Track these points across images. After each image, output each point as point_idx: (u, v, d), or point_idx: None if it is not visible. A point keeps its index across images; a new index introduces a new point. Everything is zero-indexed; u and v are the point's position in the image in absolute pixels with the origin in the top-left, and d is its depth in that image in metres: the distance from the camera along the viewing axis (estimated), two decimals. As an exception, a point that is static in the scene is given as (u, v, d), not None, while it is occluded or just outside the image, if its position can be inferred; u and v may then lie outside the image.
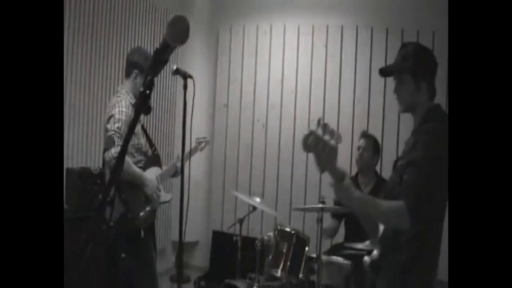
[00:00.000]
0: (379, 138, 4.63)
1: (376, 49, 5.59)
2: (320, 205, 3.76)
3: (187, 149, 3.10)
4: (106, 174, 3.54)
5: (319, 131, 1.67)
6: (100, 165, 4.26)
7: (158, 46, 1.51)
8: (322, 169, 1.81)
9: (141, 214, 3.36)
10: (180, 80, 2.77)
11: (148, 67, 1.54)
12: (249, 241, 4.38)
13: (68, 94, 4.29)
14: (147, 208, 3.41)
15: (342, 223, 4.43)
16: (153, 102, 5.19)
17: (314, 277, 3.76)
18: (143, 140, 3.54)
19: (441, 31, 5.13)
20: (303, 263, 3.80)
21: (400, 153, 5.07)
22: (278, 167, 5.98)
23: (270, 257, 3.87)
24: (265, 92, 6.07)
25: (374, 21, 5.62)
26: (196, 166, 5.51)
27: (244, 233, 4.44)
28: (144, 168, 3.45)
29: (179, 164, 3.72)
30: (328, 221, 4.35)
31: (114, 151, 3.12)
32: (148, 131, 3.79)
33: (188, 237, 5.64)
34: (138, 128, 3.48)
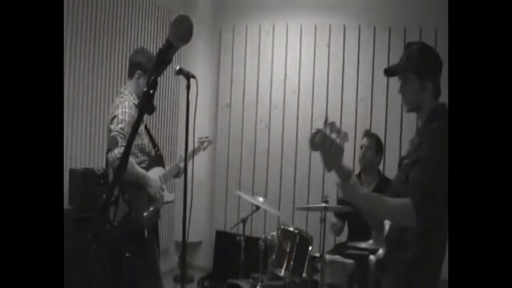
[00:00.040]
0: (382, 137, 4.63)
1: (379, 48, 5.58)
2: (323, 205, 3.76)
3: (190, 149, 3.10)
4: (109, 174, 3.54)
5: (326, 130, 1.68)
6: (104, 166, 4.26)
7: (161, 46, 1.51)
8: (328, 168, 1.82)
9: (145, 214, 3.36)
10: (183, 80, 2.78)
11: (151, 67, 1.54)
12: (252, 241, 4.39)
13: (71, 94, 4.29)
14: (151, 208, 3.41)
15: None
16: (156, 102, 5.20)
17: (317, 277, 3.76)
18: (146, 140, 3.54)
19: (443, 29, 5.12)
20: (306, 263, 3.80)
21: (403, 152, 5.07)
22: (281, 167, 5.98)
23: (274, 256, 3.87)
24: (267, 91, 6.07)
25: (376, 20, 5.61)
26: (199, 166, 5.51)
27: (247, 233, 4.44)
28: (147, 168, 3.46)
29: (181, 165, 3.72)
30: (332, 219, 4.36)
31: (118, 151, 3.12)
32: (151, 131, 3.79)
33: (192, 237, 5.67)
34: (141, 128, 3.48)
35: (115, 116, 3.24)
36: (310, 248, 3.86)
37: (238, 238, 4.30)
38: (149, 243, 3.42)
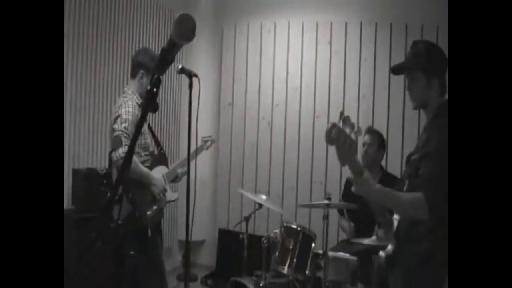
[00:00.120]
0: (384, 134, 4.63)
1: (381, 45, 5.58)
2: (326, 202, 3.77)
3: (192, 149, 3.11)
4: (113, 174, 3.55)
5: (341, 124, 1.71)
6: (106, 166, 4.27)
7: (164, 45, 1.52)
8: (343, 162, 1.86)
9: (148, 213, 3.37)
10: (185, 79, 2.78)
11: (154, 66, 1.55)
12: (255, 239, 4.39)
13: (74, 95, 4.30)
14: (154, 207, 3.42)
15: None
16: (159, 101, 5.21)
17: (320, 273, 3.77)
18: (149, 140, 3.55)
19: (445, 26, 5.10)
20: (309, 260, 3.81)
21: (405, 148, 5.11)
22: (284, 165, 5.98)
23: (277, 254, 3.88)
24: (269, 89, 6.07)
25: (378, 17, 5.61)
26: (202, 165, 5.52)
27: (250, 231, 4.45)
28: (150, 167, 3.47)
29: (179, 170, 3.73)
30: (341, 222, 4.39)
31: (122, 151, 3.13)
32: (154, 130, 3.80)
33: (195, 236, 5.65)
34: (144, 127, 3.49)
35: (119, 115, 3.25)
36: (313, 245, 3.87)
37: (241, 236, 4.31)
38: (153, 242, 3.43)
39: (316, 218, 5.29)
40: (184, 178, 3.40)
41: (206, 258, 6.22)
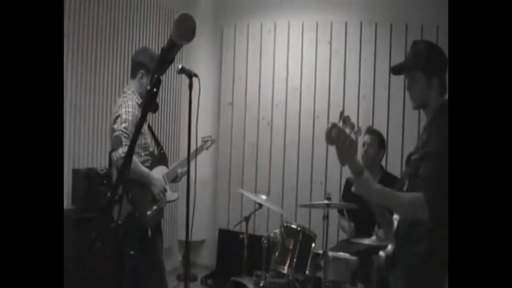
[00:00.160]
0: (384, 134, 4.63)
1: (381, 45, 5.58)
2: (326, 202, 3.77)
3: (192, 149, 3.11)
4: (113, 174, 3.55)
5: (341, 124, 1.71)
6: (106, 166, 4.27)
7: (164, 45, 1.52)
8: (343, 162, 1.86)
9: (148, 213, 3.37)
10: (185, 79, 2.78)
11: (154, 66, 1.55)
12: (255, 239, 4.40)
13: (74, 94, 4.30)
14: (154, 207, 3.42)
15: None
16: (159, 101, 5.21)
17: (320, 273, 3.77)
18: (149, 140, 3.55)
19: (445, 26, 5.11)
20: (309, 260, 3.81)
21: (405, 148, 5.10)
22: (284, 165, 5.99)
23: (277, 254, 3.88)
24: (269, 89, 6.07)
25: (378, 17, 5.61)
26: (202, 165, 5.52)
27: (250, 231, 4.45)
28: (150, 167, 3.47)
29: (179, 170, 3.74)
30: (341, 222, 4.39)
31: (122, 151, 3.14)
32: (154, 130, 3.80)
33: (195, 236, 5.65)
34: (144, 127, 3.49)
35: (119, 115, 3.25)
36: (313, 245, 3.87)
37: (241, 236, 4.31)
38: (153, 242, 3.43)
39: (316, 218, 5.29)
40: (184, 178, 3.40)
41: (206, 258, 6.22)
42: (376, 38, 5.61)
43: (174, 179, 3.76)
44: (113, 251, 1.59)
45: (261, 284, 3.94)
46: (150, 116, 4.48)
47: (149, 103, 1.50)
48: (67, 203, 4.02)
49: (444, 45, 2.40)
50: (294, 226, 3.94)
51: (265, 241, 4.04)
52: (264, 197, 4.50)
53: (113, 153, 3.17)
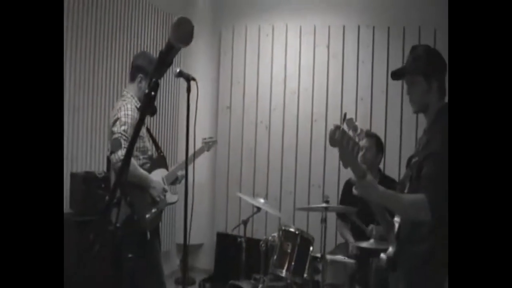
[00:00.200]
0: (382, 137, 4.64)
1: (378, 48, 5.59)
2: (324, 205, 3.77)
3: (191, 152, 3.11)
4: (111, 177, 3.55)
5: (344, 126, 1.72)
6: (104, 169, 4.27)
7: (162, 48, 1.52)
8: (345, 165, 1.87)
9: (147, 216, 3.37)
10: (183, 83, 2.78)
11: (153, 69, 1.55)
12: (253, 242, 4.39)
13: (72, 98, 4.31)
14: (153, 210, 3.42)
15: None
16: (157, 104, 5.21)
17: (318, 277, 3.77)
18: (148, 143, 3.56)
19: (442, 29, 5.14)
20: (307, 263, 3.81)
21: (403, 151, 5.10)
22: (282, 168, 5.98)
23: (275, 257, 3.88)
24: (267, 93, 6.08)
25: (375, 20, 5.62)
26: (200, 169, 5.51)
27: (248, 234, 4.45)
28: (149, 170, 3.47)
29: (179, 173, 3.73)
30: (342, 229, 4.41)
31: (121, 153, 3.14)
32: (152, 133, 3.80)
33: (193, 240, 5.67)
34: (143, 130, 3.50)
35: (118, 118, 3.26)
36: (311, 248, 3.87)
37: (239, 239, 4.31)
38: (152, 245, 3.43)
39: (314, 221, 5.29)
40: (182, 182, 3.40)
41: (204, 261, 6.21)
42: (373, 41, 5.62)
43: (174, 181, 3.75)
44: (111, 254, 1.59)
45: (259, 288, 3.94)
46: (148, 119, 4.49)
47: (147, 106, 1.50)
48: (65, 206, 4.01)
49: (441, 48, 2.41)
50: (292, 230, 3.94)
51: (263, 245, 4.04)
52: (262, 200, 4.50)
53: (112, 156, 3.18)
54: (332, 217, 4.44)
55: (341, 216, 4.49)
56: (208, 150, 4.13)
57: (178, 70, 2.76)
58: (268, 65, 6.08)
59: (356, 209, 3.89)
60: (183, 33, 1.52)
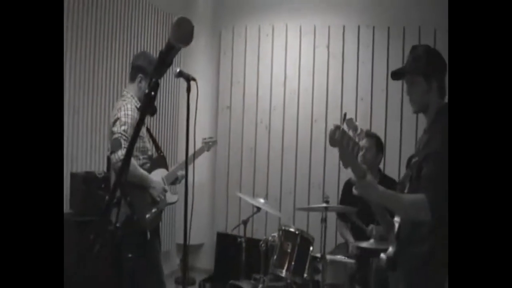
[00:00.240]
0: (382, 137, 4.64)
1: (378, 48, 5.59)
2: (324, 205, 3.77)
3: (191, 152, 3.11)
4: (111, 177, 3.56)
5: (344, 126, 1.72)
6: (104, 169, 4.27)
7: (162, 48, 1.52)
8: (345, 165, 1.88)
9: (147, 216, 3.37)
10: (183, 83, 2.78)
11: (153, 69, 1.55)
12: (253, 242, 4.39)
13: (72, 98, 4.31)
14: (153, 210, 3.43)
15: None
16: (157, 104, 5.21)
17: (318, 277, 3.77)
18: (148, 143, 3.56)
19: (442, 29, 5.14)
20: (307, 263, 3.81)
21: (403, 151, 5.10)
22: (282, 168, 5.98)
23: (275, 257, 3.88)
24: (267, 93, 6.08)
25: (375, 20, 5.62)
26: (200, 169, 5.52)
27: (248, 234, 4.45)
28: (149, 170, 3.47)
29: (179, 173, 3.73)
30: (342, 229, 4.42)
31: (121, 153, 3.15)
32: (152, 133, 3.81)
33: (193, 240, 5.67)
34: (143, 131, 3.51)
35: (118, 118, 3.26)
36: (311, 248, 3.87)
37: (239, 239, 4.31)
38: (152, 245, 3.43)
39: (314, 221, 5.29)
40: (182, 182, 3.40)
41: (204, 261, 6.21)
42: (373, 42, 5.62)
43: (174, 181, 3.76)
44: (111, 254, 1.59)
45: (259, 288, 3.94)
46: (148, 119, 4.49)
47: (147, 106, 1.51)
48: (65, 206, 4.01)
49: (441, 48, 2.41)
50: (292, 230, 3.94)
51: (263, 245, 4.04)
52: (262, 200, 4.50)
53: (112, 155, 3.18)
54: (332, 217, 4.44)
55: (341, 216, 4.49)
56: (208, 150, 4.13)
57: (178, 70, 2.76)
58: (268, 65, 6.08)
59: (356, 209, 3.89)
60: (183, 33, 1.52)
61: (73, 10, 4.27)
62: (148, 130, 3.67)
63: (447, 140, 1.79)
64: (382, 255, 2.41)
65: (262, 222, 5.81)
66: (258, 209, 4.36)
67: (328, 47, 5.81)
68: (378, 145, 4.35)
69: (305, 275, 3.79)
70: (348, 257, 3.91)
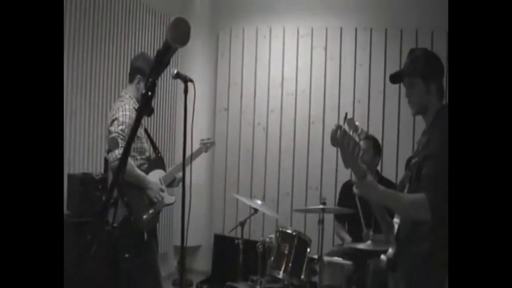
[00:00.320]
0: (379, 139, 4.65)
1: (376, 50, 5.61)
2: (321, 206, 3.78)
3: (188, 154, 3.11)
4: (109, 177, 3.56)
5: (345, 126, 1.73)
6: (102, 171, 4.27)
7: (159, 48, 1.53)
8: (347, 165, 1.89)
9: (144, 217, 3.37)
10: (180, 84, 2.78)
11: (150, 69, 1.55)
12: (250, 244, 4.40)
13: (69, 99, 4.30)
14: (150, 211, 3.42)
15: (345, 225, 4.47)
16: (154, 105, 5.20)
17: (316, 278, 3.77)
18: (146, 144, 3.56)
19: (439, 30, 5.15)
20: (304, 264, 3.81)
21: (400, 152, 5.10)
22: (279, 170, 5.99)
23: (272, 258, 3.88)
24: (265, 95, 6.08)
25: (373, 22, 5.63)
26: (197, 170, 5.49)
27: (245, 236, 4.45)
28: (147, 171, 3.47)
29: (177, 175, 3.73)
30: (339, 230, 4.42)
31: (118, 152, 3.15)
32: (150, 135, 3.80)
33: (190, 242, 5.66)
34: (141, 131, 3.51)
35: (116, 118, 3.27)
36: (308, 250, 3.87)
37: (236, 241, 4.31)
38: (149, 246, 3.43)
39: (312, 223, 5.29)
40: (180, 184, 3.39)
41: (202, 263, 6.21)
42: (371, 43, 5.64)
43: (171, 183, 3.75)
44: (108, 254, 1.59)
45: (256, 289, 3.94)
46: (146, 120, 4.49)
47: (144, 106, 1.51)
48: (62, 208, 4.01)
49: (439, 50, 2.42)
50: (289, 231, 3.94)
51: (260, 246, 4.04)
52: (259, 202, 4.50)
53: (110, 154, 3.19)
54: (329, 218, 4.45)
55: (338, 217, 4.50)
56: (206, 151, 4.13)
57: (175, 72, 2.77)
58: (266, 67, 6.08)
59: (353, 211, 3.90)
60: (180, 33, 1.52)
61: (70, 13, 4.26)
62: (146, 131, 3.67)
63: (446, 141, 1.80)
64: (382, 256, 2.42)
65: (260, 224, 5.82)
66: (256, 210, 4.36)
67: (325, 49, 5.83)
68: (375, 147, 4.36)
69: (302, 276, 3.79)
70: (344, 252, 3.92)
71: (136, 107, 3.39)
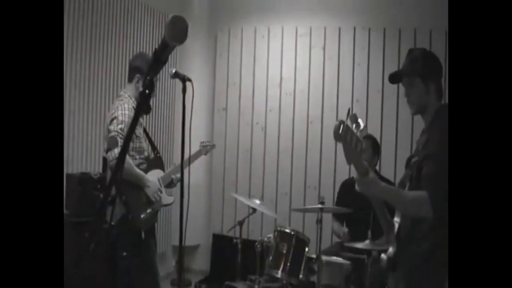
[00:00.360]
0: (378, 138, 4.65)
1: (374, 50, 5.61)
2: (320, 206, 3.78)
3: (186, 155, 3.11)
4: (107, 176, 3.56)
5: (348, 122, 1.73)
6: (100, 170, 4.26)
7: (157, 47, 1.53)
8: (349, 161, 1.89)
9: (142, 216, 3.37)
10: (179, 84, 2.78)
11: (148, 68, 1.56)
12: (249, 243, 4.39)
13: (68, 99, 4.30)
14: (148, 210, 3.42)
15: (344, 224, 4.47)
16: (153, 105, 5.20)
17: (314, 278, 3.77)
18: (145, 144, 3.56)
19: (438, 30, 5.16)
20: (303, 264, 3.81)
21: (399, 152, 5.11)
22: (277, 169, 5.99)
23: (270, 258, 3.88)
24: (263, 94, 6.08)
25: (371, 22, 5.64)
26: (196, 170, 5.50)
27: (244, 235, 4.45)
28: (145, 170, 3.47)
29: (173, 176, 3.73)
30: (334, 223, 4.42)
31: (117, 151, 3.15)
32: (148, 134, 3.81)
33: (189, 241, 5.63)
34: (140, 131, 3.52)
35: (115, 117, 3.27)
36: (306, 249, 3.87)
37: (235, 240, 4.31)
38: (146, 245, 3.43)
39: (310, 222, 5.30)
40: (178, 184, 3.39)
41: (200, 263, 6.21)
42: (369, 43, 5.64)
43: (169, 184, 3.75)
44: (106, 252, 1.59)
45: (254, 289, 3.94)
46: (144, 120, 4.49)
47: (142, 104, 1.51)
48: (61, 207, 4.01)
49: (437, 49, 2.43)
50: (287, 231, 3.94)
51: (258, 246, 4.04)
52: (257, 201, 4.51)
53: (109, 153, 3.19)
54: (327, 218, 4.45)
55: (336, 216, 4.50)
56: (205, 154, 4.14)
57: (173, 71, 2.77)
58: (264, 67, 6.08)
59: (351, 210, 3.90)
60: (177, 31, 1.52)
61: (69, 13, 4.26)
62: (145, 130, 3.67)
63: (446, 141, 1.81)
64: (383, 256, 2.42)
65: (258, 223, 5.82)
66: (254, 210, 4.36)
67: (324, 48, 5.83)
68: (374, 147, 4.37)
69: (301, 276, 3.79)
70: (342, 246, 3.93)
71: (135, 106, 3.39)
